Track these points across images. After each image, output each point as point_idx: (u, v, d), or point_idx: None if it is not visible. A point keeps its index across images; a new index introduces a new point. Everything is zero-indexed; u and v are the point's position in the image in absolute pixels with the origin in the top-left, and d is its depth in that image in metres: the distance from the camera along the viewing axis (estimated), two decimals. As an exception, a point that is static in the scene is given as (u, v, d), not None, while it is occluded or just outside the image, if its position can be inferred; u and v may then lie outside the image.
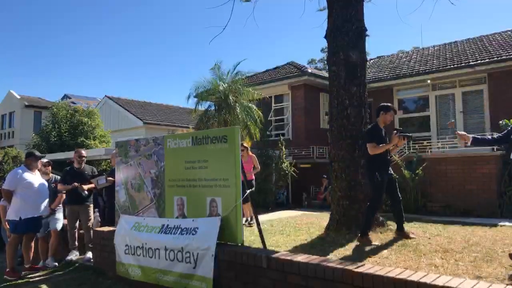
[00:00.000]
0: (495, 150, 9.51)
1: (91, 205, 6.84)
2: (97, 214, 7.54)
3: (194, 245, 4.24)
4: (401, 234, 5.50)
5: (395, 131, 5.53)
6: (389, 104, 5.85)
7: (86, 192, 6.59)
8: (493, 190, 9.02)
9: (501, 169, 9.13)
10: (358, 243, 5.23)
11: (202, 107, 14.05)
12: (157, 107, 23.79)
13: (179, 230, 4.54)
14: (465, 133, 4.52)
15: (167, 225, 4.73)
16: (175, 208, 4.88)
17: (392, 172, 5.70)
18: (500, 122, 10.10)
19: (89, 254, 6.30)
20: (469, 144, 4.54)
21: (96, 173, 7.17)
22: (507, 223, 7.08)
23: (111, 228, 5.73)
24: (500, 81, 11.87)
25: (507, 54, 11.85)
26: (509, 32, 14.36)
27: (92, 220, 6.77)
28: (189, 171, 4.74)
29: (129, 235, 5.06)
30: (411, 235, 5.51)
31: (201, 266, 4.13)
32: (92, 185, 6.72)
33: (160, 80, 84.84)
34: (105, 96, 22.88)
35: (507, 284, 3.04)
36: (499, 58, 11.76)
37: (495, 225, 6.91)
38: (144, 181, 5.35)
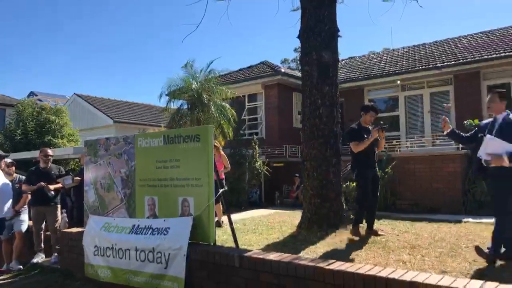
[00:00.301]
0: (459, 149, 9.85)
1: (58, 206, 6.64)
2: (65, 214, 7.33)
3: (165, 245, 4.19)
4: (371, 232, 5.64)
5: (373, 126, 5.74)
6: (369, 105, 6.08)
7: (52, 193, 6.40)
8: (458, 188, 9.34)
9: (465, 168, 9.47)
10: (349, 232, 5.57)
11: (175, 105, 13.89)
12: (128, 105, 23.34)
13: (150, 230, 4.48)
14: (449, 122, 4.65)
15: (138, 225, 4.66)
16: (146, 208, 4.80)
17: (377, 170, 5.91)
18: (465, 122, 10.47)
19: (56, 256, 6.12)
20: (445, 133, 4.69)
21: (64, 172, 6.97)
22: (470, 220, 7.36)
23: (79, 229, 5.59)
24: (465, 83, 12.31)
25: (472, 56, 12.29)
26: (474, 35, 14.90)
27: (59, 221, 6.58)
28: (161, 170, 4.68)
29: (98, 236, 4.95)
30: (380, 233, 5.66)
31: (172, 266, 4.10)
32: (59, 185, 6.53)
33: (132, 79, 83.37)
34: (74, 94, 22.22)
35: (472, 278, 3.16)
36: (464, 61, 12.18)
37: (460, 222, 7.16)
38: (114, 180, 5.24)
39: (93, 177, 5.53)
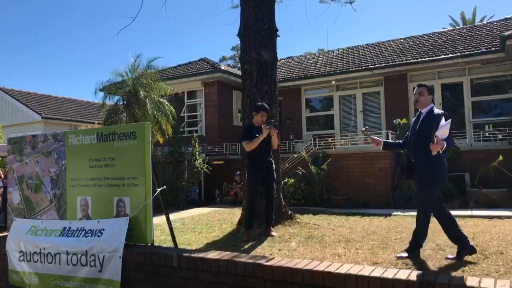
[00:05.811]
0: (389, 146, 10.50)
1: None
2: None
3: (99, 247, 4.01)
4: (266, 231, 5.56)
5: (264, 124, 5.50)
6: (259, 104, 5.78)
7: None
8: (388, 183, 9.94)
9: (394, 164, 10.11)
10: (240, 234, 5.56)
11: (112, 101, 13.29)
12: (58, 100, 21.91)
13: (83, 232, 4.27)
14: (378, 138, 4.64)
15: (69, 227, 4.41)
16: (79, 209, 4.56)
17: (272, 169, 5.70)
18: (394, 121, 11.19)
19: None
20: (381, 148, 4.73)
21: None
22: (399, 213, 7.85)
23: (1, 234, 5.18)
24: (394, 84, 13.11)
25: (399, 59, 13.11)
26: (402, 40, 15.89)
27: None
28: (94, 169, 4.47)
29: (24, 240, 4.61)
30: (273, 233, 5.49)
31: (107, 269, 3.93)
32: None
33: (66, 74, 78.26)
34: (-4, 87, 20.46)
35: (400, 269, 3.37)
36: (393, 63, 12.97)
37: (389, 215, 7.61)
38: (42, 180, 4.91)
39: (19, 177, 5.14)
